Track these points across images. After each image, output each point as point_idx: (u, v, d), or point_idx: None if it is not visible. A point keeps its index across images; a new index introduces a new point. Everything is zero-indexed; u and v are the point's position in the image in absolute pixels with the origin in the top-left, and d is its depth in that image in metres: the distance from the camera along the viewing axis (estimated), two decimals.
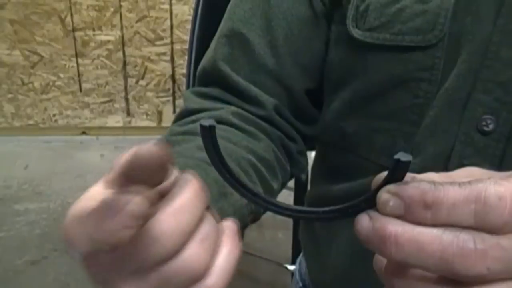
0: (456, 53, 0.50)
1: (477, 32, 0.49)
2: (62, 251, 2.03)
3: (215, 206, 0.42)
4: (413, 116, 0.53)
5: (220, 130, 0.55)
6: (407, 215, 0.27)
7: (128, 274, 0.28)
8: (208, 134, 0.30)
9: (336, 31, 0.58)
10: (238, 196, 0.38)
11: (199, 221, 0.30)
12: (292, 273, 1.23)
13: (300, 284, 0.78)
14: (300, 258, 0.81)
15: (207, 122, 0.30)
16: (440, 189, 0.26)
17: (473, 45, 0.49)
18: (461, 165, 0.50)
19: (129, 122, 2.99)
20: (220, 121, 0.56)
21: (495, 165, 0.49)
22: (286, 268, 1.68)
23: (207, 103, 0.60)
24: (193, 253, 0.29)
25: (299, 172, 0.66)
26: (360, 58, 0.55)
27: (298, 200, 1.62)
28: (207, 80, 0.63)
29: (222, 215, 0.34)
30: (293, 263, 1.63)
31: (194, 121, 0.57)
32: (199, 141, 0.38)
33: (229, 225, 0.33)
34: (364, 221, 0.28)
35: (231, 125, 0.57)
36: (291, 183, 1.74)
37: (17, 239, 2.09)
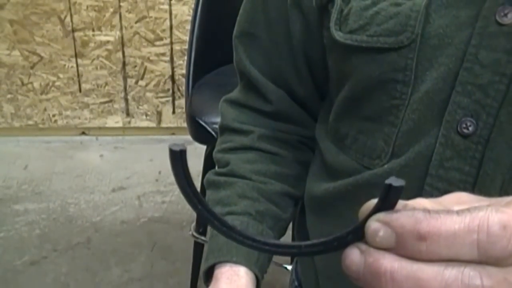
0: (430, 55, 0.50)
1: (455, 35, 0.49)
2: (62, 251, 2.03)
3: None
4: (391, 117, 0.53)
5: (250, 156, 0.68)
6: (399, 248, 0.25)
7: None
8: (179, 159, 0.27)
9: (326, 36, 0.59)
10: None
11: None
12: None
13: (296, 283, 0.78)
14: (297, 257, 0.82)
15: (177, 147, 0.27)
16: (436, 218, 0.24)
17: (452, 48, 0.49)
18: (442, 167, 0.50)
19: (129, 122, 2.99)
20: (249, 147, 0.68)
21: (475, 168, 0.49)
22: (286, 268, 1.68)
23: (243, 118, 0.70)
24: None
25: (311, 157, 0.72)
26: (346, 60, 0.56)
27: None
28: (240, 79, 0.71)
29: None
30: (292, 263, 1.63)
31: (231, 185, 0.67)
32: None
33: None
34: (355, 256, 0.26)
35: (258, 149, 0.68)
36: None
37: (17, 239, 2.09)
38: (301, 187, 0.69)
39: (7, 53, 2.79)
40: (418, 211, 0.25)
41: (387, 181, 0.25)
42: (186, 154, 0.27)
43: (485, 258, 0.24)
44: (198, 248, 1.73)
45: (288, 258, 1.68)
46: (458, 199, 0.28)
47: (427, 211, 0.25)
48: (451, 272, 0.24)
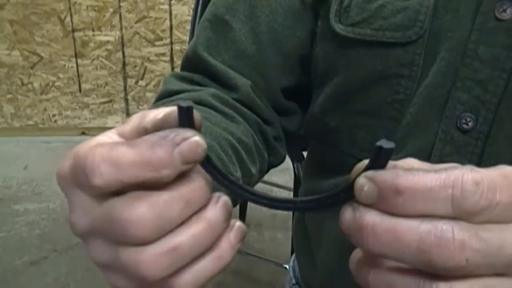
0: (435, 50, 0.50)
1: (456, 29, 0.49)
2: (62, 251, 2.03)
3: None
4: (394, 112, 0.53)
5: (199, 111, 0.50)
6: (380, 202, 0.26)
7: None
8: (186, 115, 0.28)
9: (321, 26, 0.58)
10: None
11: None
12: None
13: (293, 281, 0.78)
14: (294, 255, 0.82)
15: (185, 103, 0.28)
16: (414, 174, 0.26)
17: (452, 42, 0.49)
18: (441, 162, 0.50)
19: None
20: (199, 102, 0.55)
21: (474, 163, 0.49)
22: (285, 268, 1.68)
23: (186, 86, 0.59)
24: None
25: (276, 160, 0.64)
26: (343, 53, 0.55)
27: None
28: (189, 65, 0.62)
29: None
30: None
31: (173, 101, 0.56)
32: None
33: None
34: (347, 212, 0.28)
35: (210, 106, 0.55)
36: (290, 183, 1.74)
37: (17, 240, 2.09)
38: (253, 160, 0.58)
39: (7, 53, 2.79)
40: (400, 169, 0.26)
41: (378, 143, 0.27)
42: (193, 110, 0.28)
43: (459, 213, 0.25)
44: None
45: (288, 259, 1.68)
46: (451, 165, 0.29)
47: (408, 169, 0.26)
48: (425, 226, 0.25)
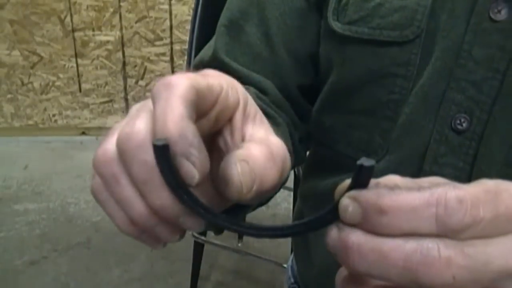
0: (431, 50, 0.50)
1: (451, 30, 0.49)
2: (62, 251, 2.03)
3: None
4: (389, 112, 0.53)
5: None
6: (365, 222, 0.26)
7: None
8: (162, 154, 0.27)
9: (323, 24, 0.58)
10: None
11: None
12: None
13: (292, 280, 0.78)
14: (293, 254, 0.82)
15: (160, 142, 0.27)
16: (397, 193, 0.26)
17: (447, 42, 0.49)
18: (435, 163, 0.50)
19: None
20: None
21: (468, 164, 0.49)
22: (285, 267, 1.68)
23: None
24: None
25: (297, 162, 0.63)
26: (340, 51, 0.55)
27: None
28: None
29: None
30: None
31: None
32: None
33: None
34: (333, 232, 0.28)
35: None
36: (291, 183, 1.74)
37: (17, 239, 2.09)
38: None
39: (7, 53, 2.79)
40: (383, 188, 0.26)
41: (359, 162, 0.26)
42: (169, 149, 0.27)
43: (444, 231, 0.25)
44: (198, 248, 1.73)
45: (288, 258, 1.68)
46: (432, 180, 0.29)
47: (391, 187, 0.26)
48: (411, 245, 0.25)
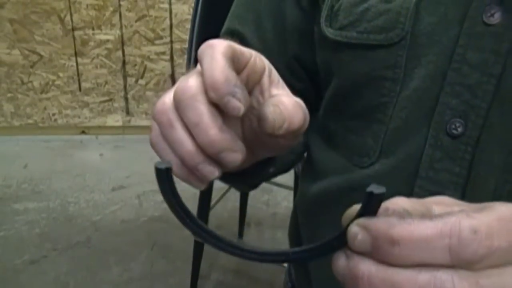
0: (419, 52, 0.50)
1: (444, 33, 0.49)
2: (62, 250, 2.03)
3: None
4: (380, 115, 0.53)
5: None
6: (375, 252, 0.26)
7: None
8: (165, 177, 0.29)
9: (316, 32, 0.58)
10: None
11: None
12: None
13: (290, 285, 0.78)
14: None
15: (162, 165, 0.29)
16: (409, 223, 0.25)
17: (440, 46, 0.49)
18: (431, 168, 0.49)
19: (129, 121, 2.99)
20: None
21: (465, 169, 0.48)
22: (285, 267, 1.68)
23: None
24: None
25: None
26: (335, 57, 0.56)
27: None
28: None
29: None
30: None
31: None
32: None
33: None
34: (340, 260, 0.27)
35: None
36: (291, 182, 1.74)
37: (17, 239, 2.09)
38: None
39: (7, 52, 2.78)
40: (394, 217, 0.26)
41: (368, 189, 0.26)
42: (171, 171, 0.29)
43: (457, 262, 0.25)
44: (198, 247, 1.73)
45: None
46: (439, 200, 0.29)
47: (402, 216, 0.26)
48: (424, 276, 0.25)
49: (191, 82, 0.35)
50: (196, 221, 0.30)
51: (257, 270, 1.94)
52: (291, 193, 1.67)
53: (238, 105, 0.33)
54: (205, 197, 1.64)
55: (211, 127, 0.33)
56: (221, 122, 0.34)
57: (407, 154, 0.51)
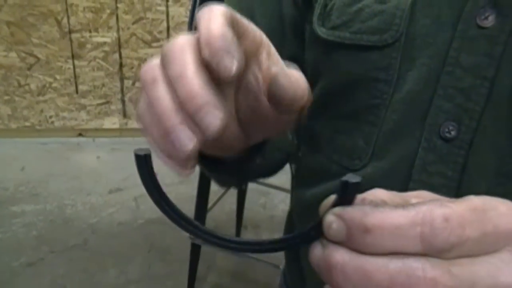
0: (412, 55, 0.50)
1: (438, 36, 0.48)
2: (59, 252, 2.03)
3: None
4: (371, 116, 0.52)
5: None
6: (349, 240, 0.26)
7: None
8: (144, 163, 0.29)
9: (308, 30, 0.58)
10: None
11: None
12: None
13: (285, 287, 0.78)
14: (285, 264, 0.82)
15: (142, 151, 0.28)
16: (382, 211, 0.25)
17: (434, 48, 0.49)
18: (425, 171, 0.49)
19: (126, 124, 2.99)
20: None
21: (457, 173, 0.48)
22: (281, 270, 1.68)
23: None
24: None
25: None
26: (325, 57, 0.55)
27: None
28: None
29: None
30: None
31: None
32: None
33: None
34: (316, 249, 0.27)
35: None
36: (287, 185, 1.74)
37: (14, 241, 2.09)
38: None
39: (4, 54, 2.78)
40: (368, 205, 0.26)
41: (344, 178, 0.26)
42: (151, 158, 0.29)
43: (429, 250, 0.25)
44: (195, 249, 1.73)
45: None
46: (418, 195, 0.29)
47: (375, 205, 0.26)
48: (395, 264, 0.25)
49: (181, 38, 0.32)
50: (174, 209, 0.30)
51: (254, 272, 1.95)
52: (288, 195, 1.68)
53: (231, 64, 0.30)
54: (202, 199, 1.64)
55: (193, 78, 0.30)
56: (208, 79, 0.30)
57: (400, 157, 0.51)
